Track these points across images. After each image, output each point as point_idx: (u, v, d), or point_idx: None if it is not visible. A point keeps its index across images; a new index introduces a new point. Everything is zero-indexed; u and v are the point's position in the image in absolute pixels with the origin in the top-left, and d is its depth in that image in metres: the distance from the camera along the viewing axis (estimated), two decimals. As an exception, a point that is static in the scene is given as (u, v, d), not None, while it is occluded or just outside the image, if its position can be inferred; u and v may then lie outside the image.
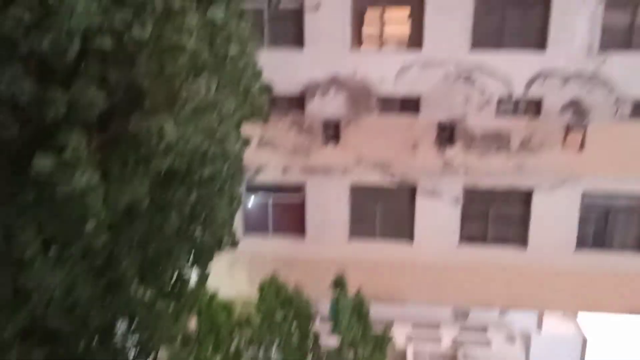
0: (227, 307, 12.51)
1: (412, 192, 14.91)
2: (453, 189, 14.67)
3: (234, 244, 10.57)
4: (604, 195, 14.35)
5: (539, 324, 30.23)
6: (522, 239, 14.89)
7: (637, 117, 13.55)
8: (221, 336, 12.11)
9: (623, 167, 13.72)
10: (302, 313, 12.76)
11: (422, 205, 14.93)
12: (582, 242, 14.73)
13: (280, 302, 12.50)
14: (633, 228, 14.59)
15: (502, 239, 15.08)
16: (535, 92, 13.65)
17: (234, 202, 10.05)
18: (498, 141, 14.02)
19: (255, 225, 15.76)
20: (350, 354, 12.35)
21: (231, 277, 15.37)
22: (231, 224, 10.42)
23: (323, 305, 20.36)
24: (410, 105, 14.19)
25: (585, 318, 31.96)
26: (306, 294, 13.34)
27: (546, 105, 13.69)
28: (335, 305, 12.45)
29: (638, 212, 14.42)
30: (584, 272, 14.76)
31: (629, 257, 14.59)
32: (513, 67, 13.57)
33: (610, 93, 13.37)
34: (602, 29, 13.13)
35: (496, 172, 14.25)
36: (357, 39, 14.15)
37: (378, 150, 14.35)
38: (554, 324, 31.76)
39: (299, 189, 15.26)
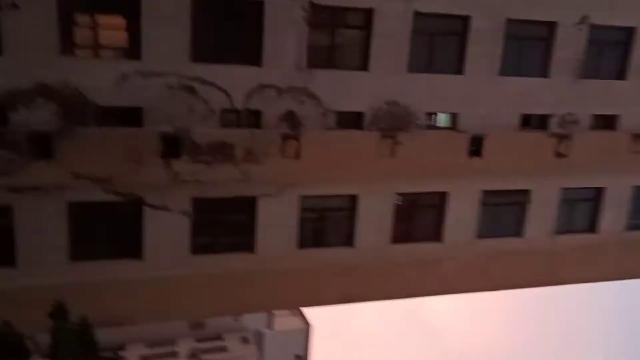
0: None
1: (138, 207, 14.32)
2: (182, 200, 14.55)
3: None
4: (319, 198, 15.84)
5: (270, 323, 32.19)
6: (250, 245, 15.50)
7: (341, 127, 15.25)
8: None
9: (333, 172, 15.31)
10: (15, 350, 11.28)
11: (150, 220, 14.46)
12: (303, 242, 16.00)
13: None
14: (343, 226, 16.39)
15: (232, 246, 15.48)
16: (254, 104, 14.34)
17: None
18: (223, 151, 14.33)
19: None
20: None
21: None
22: None
23: (43, 337, 18.32)
24: (131, 116, 13.61)
25: (311, 311, 35.13)
26: (19, 328, 11.85)
27: (265, 117, 14.50)
28: (56, 337, 11.27)
29: (347, 211, 16.25)
30: (306, 269, 16.06)
31: (342, 251, 16.35)
32: (233, 81, 14.04)
33: (318, 106, 14.80)
34: (308, 48, 14.45)
35: (223, 182, 14.56)
36: (68, 44, 13.01)
37: (98, 165, 13.43)
38: (283, 321, 34.16)
39: (4, 212, 13.39)
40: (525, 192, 17.57)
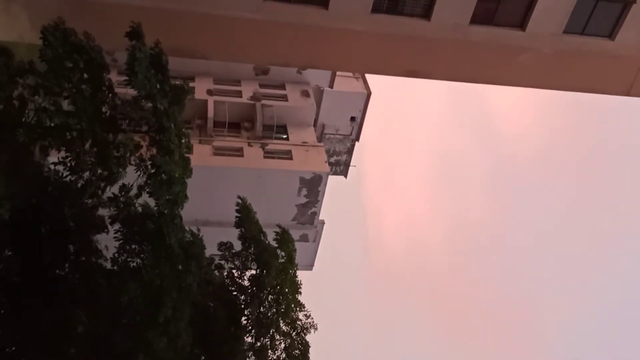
0: (5, 52, 11.24)
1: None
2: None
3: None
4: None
5: (331, 82, 32.73)
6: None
7: None
8: (1, 83, 11.05)
9: None
10: (93, 62, 11.98)
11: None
12: (377, 6, 15.15)
13: (68, 49, 11.49)
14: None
15: (305, -1, 14.94)
16: None
17: None
18: None
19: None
20: (148, 105, 12.24)
21: (8, 19, 13.50)
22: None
23: (119, 56, 19.40)
24: None
25: (371, 78, 35.31)
26: (98, 42, 12.42)
27: None
28: (131, 57, 11.83)
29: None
30: (376, 35, 15.58)
31: (417, 23, 15.62)
32: None
33: None
34: None
35: None
36: None
37: None
38: (345, 82, 34.63)
39: None
40: (634, -9, 15.67)
